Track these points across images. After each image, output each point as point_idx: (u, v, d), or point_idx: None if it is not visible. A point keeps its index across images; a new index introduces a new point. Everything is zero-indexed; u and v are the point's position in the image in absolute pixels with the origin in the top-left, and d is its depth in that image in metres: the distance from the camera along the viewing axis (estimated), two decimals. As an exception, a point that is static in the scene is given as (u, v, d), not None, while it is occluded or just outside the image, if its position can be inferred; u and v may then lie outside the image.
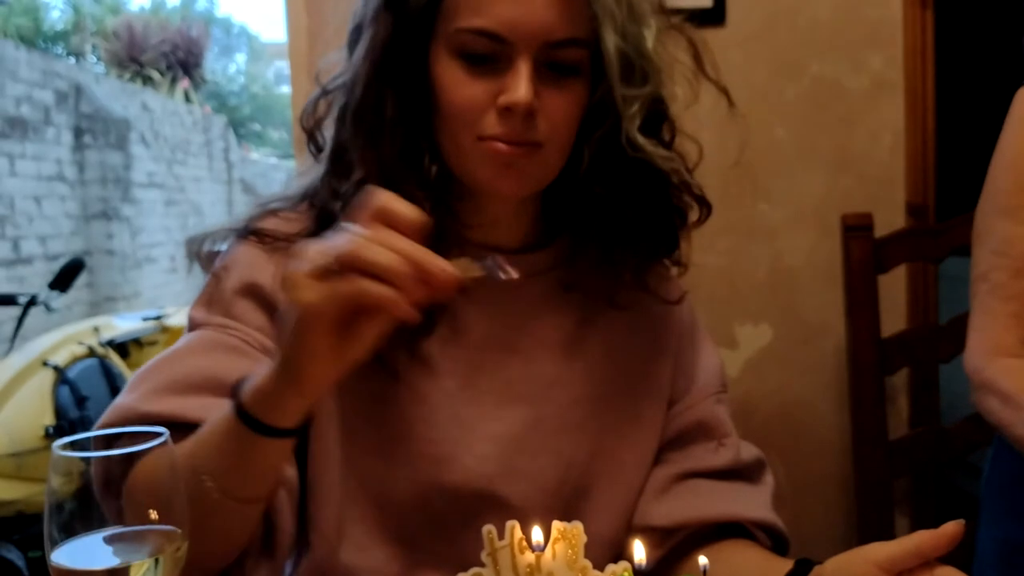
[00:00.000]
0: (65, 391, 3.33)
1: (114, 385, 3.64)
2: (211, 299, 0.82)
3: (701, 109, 1.68)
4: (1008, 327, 1.07)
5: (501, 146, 0.76)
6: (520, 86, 0.74)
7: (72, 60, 15.35)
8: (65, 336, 3.69)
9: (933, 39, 1.67)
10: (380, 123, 0.79)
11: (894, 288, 1.67)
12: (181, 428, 0.70)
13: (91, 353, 3.61)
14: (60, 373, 3.36)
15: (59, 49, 16.99)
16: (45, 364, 3.38)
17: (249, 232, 0.82)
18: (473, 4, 0.75)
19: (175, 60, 15.01)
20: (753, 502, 0.88)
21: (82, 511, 0.58)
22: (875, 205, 1.64)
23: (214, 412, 0.69)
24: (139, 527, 0.58)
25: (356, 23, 0.81)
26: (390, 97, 0.79)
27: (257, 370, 0.66)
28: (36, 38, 16.44)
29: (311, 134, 0.85)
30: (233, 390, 0.66)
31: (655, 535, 0.85)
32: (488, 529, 0.62)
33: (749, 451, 0.92)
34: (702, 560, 0.61)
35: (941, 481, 1.74)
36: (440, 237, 0.74)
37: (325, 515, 0.81)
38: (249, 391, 0.65)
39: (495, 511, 0.79)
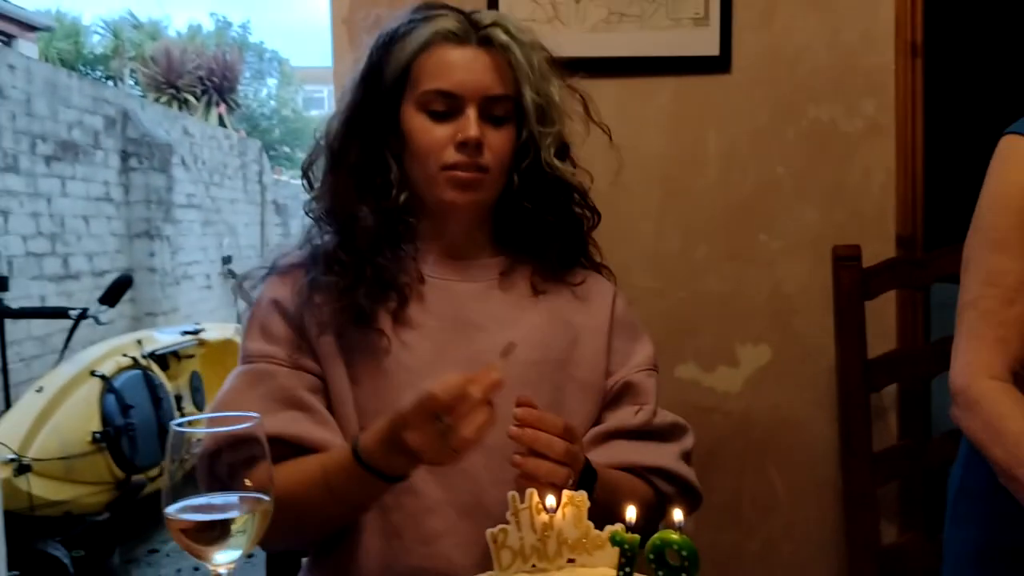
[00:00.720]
0: (111, 399, 3.51)
1: (155, 394, 3.81)
2: (256, 330, 1.10)
3: (708, 151, 1.86)
4: (995, 351, 1.17)
5: (460, 174, 1.08)
6: (471, 126, 1.07)
7: (112, 85, 15.74)
8: (111, 348, 3.87)
9: (923, 86, 1.79)
10: (347, 166, 1.10)
11: (885, 312, 1.79)
12: (280, 441, 0.99)
13: (135, 364, 3.79)
14: (107, 382, 3.53)
15: (99, 72, 17.38)
16: (93, 374, 3.56)
17: (269, 272, 1.13)
18: (435, 72, 1.08)
19: (210, 85, 15.37)
20: (655, 454, 1.14)
21: (191, 477, 0.74)
22: (867, 237, 1.77)
23: (300, 424, 1.02)
24: (236, 492, 0.74)
25: (339, 94, 1.14)
26: (355, 147, 1.10)
27: (371, 428, 0.95)
28: (77, 62, 16.84)
29: (305, 174, 1.16)
30: (353, 447, 0.95)
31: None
32: (512, 495, 0.75)
33: (664, 416, 1.18)
34: (677, 515, 0.74)
35: (928, 489, 1.85)
36: (399, 245, 1.10)
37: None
38: (368, 453, 0.94)
39: (476, 452, 1.00)
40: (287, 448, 1.01)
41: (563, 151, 1.17)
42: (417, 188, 1.11)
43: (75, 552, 3.22)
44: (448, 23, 1.09)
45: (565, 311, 1.17)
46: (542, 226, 1.15)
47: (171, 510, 0.71)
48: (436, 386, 0.88)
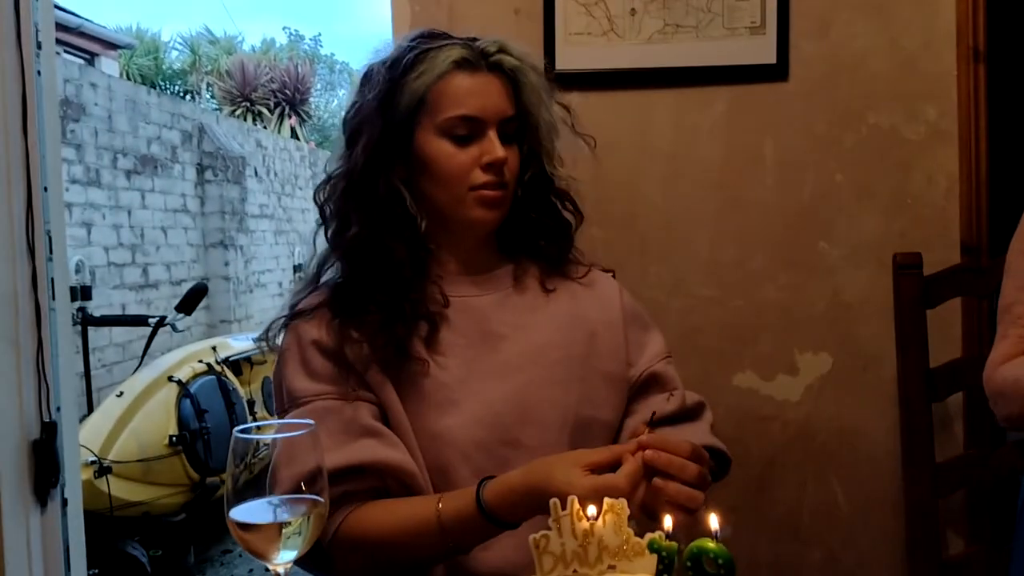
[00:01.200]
0: (187, 404, 3.62)
1: (229, 399, 3.92)
2: (300, 372, 1.12)
3: (766, 160, 1.86)
4: (1016, 344, 1.24)
5: (488, 193, 1.14)
6: (496, 148, 1.13)
7: (189, 98, 16.21)
8: (187, 354, 3.99)
9: (986, 91, 1.77)
10: (375, 200, 1.13)
11: (950, 320, 1.77)
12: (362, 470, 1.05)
13: (210, 370, 3.90)
14: (183, 388, 3.64)
15: (177, 87, 17.92)
16: (170, 379, 3.66)
17: (293, 317, 1.16)
18: (455, 99, 1.12)
19: (283, 97, 15.74)
20: (694, 433, 1.16)
21: (252, 482, 0.78)
22: (931, 244, 1.75)
23: (377, 450, 1.06)
24: (294, 495, 0.78)
25: (353, 125, 1.16)
26: (382, 180, 1.14)
27: (502, 482, 1.00)
28: (156, 77, 17.39)
29: (322, 209, 1.18)
30: (477, 496, 1.00)
31: None
32: (554, 502, 0.77)
33: (691, 397, 1.23)
34: (713, 523, 0.76)
35: (996, 500, 1.81)
36: (426, 273, 1.15)
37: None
38: (494, 506, 0.99)
39: (515, 450, 1.10)
40: (372, 476, 1.07)
41: (558, 161, 1.24)
42: (437, 211, 1.16)
43: (153, 552, 3.33)
44: (459, 52, 1.13)
45: (578, 306, 1.22)
46: (542, 230, 1.23)
47: (233, 512, 0.75)
48: (621, 479, 0.92)
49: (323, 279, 1.19)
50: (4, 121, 1.94)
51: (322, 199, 1.18)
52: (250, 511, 0.76)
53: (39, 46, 2.02)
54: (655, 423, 1.06)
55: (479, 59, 1.14)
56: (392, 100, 1.13)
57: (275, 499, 0.76)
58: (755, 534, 1.85)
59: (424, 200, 1.16)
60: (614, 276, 1.35)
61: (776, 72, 1.80)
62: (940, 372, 1.61)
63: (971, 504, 1.79)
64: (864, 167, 1.81)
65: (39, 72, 2.02)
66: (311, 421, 0.80)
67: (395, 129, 1.14)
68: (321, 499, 0.77)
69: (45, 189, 2.03)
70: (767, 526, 1.86)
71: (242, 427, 0.78)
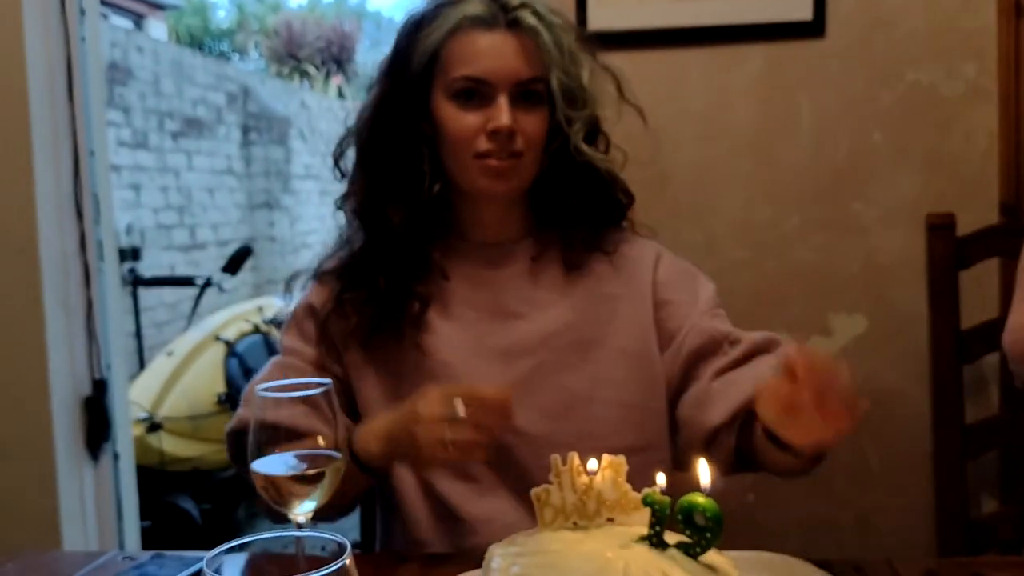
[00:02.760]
0: (234, 363, 3.71)
1: (275, 359, 4.00)
2: (293, 328, 1.16)
3: (801, 119, 1.84)
4: None
5: (493, 162, 1.07)
6: (502, 115, 1.05)
7: (237, 58, 16.31)
8: (234, 315, 4.07)
9: (1029, 47, 1.72)
10: (377, 160, 1.10)
11: (988, 281, 1.74)
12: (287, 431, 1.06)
13: (256, 330, 3.98)
14: (230, 347, 3.72)
15: (225, 46, 18.03)
16: (217, 339, 3.75)
17: (313, 276, 1.18)
18: (463, 59, 1.06)
19: (329, 55, 15.76)
20: (772, 362, 1.02)
21: (271, 437, 0.82)
22: (969, 204, 1.73)
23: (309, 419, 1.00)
24: (311, 451, 0.82)
25: (371, 82, 1.14)
26: (384, 139, 1.10)
27: (378, 417, 1.02)
28: (204, 37, 17.52)
29: (336, 162, 1.18)
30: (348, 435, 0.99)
31: (724, 432, 1.05)
32: (554, 457, 0.77)
33: (759, 334, 1.10)
34: (704, 479, 0.74)
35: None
36: (446, 235, 1.12)
37: None
38: (358, 442, 1.01)
39: (514, 438, 1.07)
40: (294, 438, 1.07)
41: (593, 135, 1.14)
42: (452, 176, 1.11)
43: (203, 505, 3.45)
44: (475, 7, 1.06)
45: (600, 284, 1.16)
46: (572, 209, 1.15)
47: (256, 465, 0.79)
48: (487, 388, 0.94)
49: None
50: (50, 87, 1.99)
51: (337, 154, 1.18)
52: (271, 464, 0.80)
53: (83, 12, 2.07)
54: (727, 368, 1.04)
55: (497, 15, 1.06)
56: (407, 58, 1.08)
57: (294, 453, 0.80)
58: (787, 495, 1.86)
59: (441, 164, 1.11)
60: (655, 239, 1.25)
61: (812, 29, 1.77)
62: (972, 333, 1.60)
63: (1005, 465, 1.78)
64: (901, 126, 1.78)
65: (83, 38, 2.07)
66: (327, 381, 0.83)
67: (407, 88, 1.09)
68: (338, 455, 0.81)
69: (92, 153, 2.09)
70: (799, 487, 1.86)
71: (264, 385, 0.81)
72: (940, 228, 1.59)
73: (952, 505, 1.58)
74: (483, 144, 1.07)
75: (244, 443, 0.82)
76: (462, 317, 1.12)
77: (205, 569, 0.49)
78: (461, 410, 0.91)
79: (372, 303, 1.09)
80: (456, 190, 1.13)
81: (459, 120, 1.07)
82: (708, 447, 1.06)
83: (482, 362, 1.10)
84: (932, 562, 0.99)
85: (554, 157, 1.12)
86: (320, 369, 1.11)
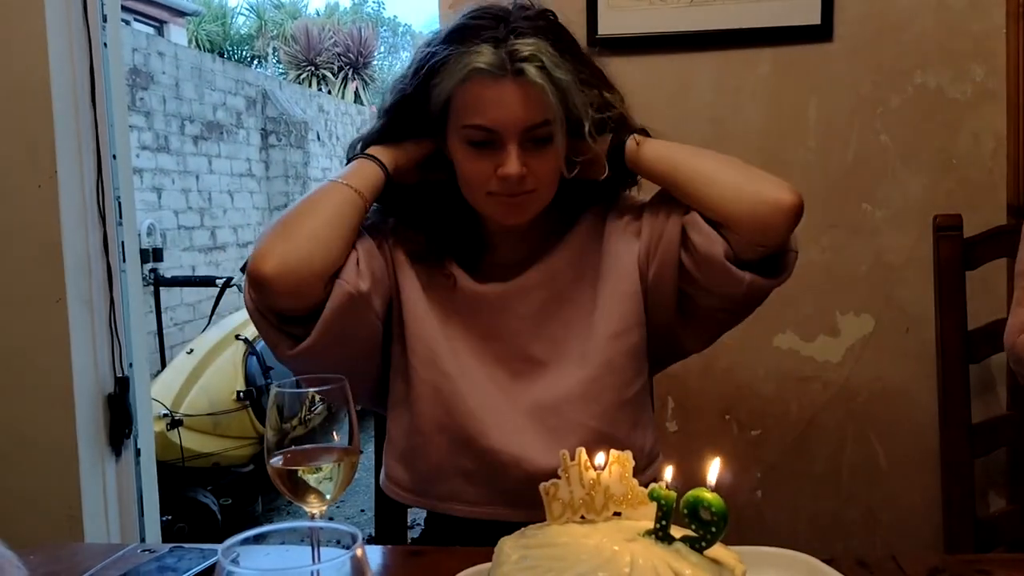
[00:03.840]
0: (254, 361, 3.75)
1: (293, 358, 4.04)
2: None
3: (809, 121, 1.85)
4: None
5: (505, 199, 1.13)
6: (511, 163, 1.09)
7: (256, 63, 16.40)
8: (254, 314, 4.12)
9: (1037, 49, 1.73)
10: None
11: (996, 282, 1.75)
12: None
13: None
14: (250, 346, 3.76)
15: (244, 52, 18.17)
16: (237, 337, 3.79)
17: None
18: (472, 108, 1.10)
19: (346, 61, 15.86)
20: None
21: (288, 430, 0.85)
22: (977, 206, 1.74)
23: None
24: (325, 444, 0.85)
25: (394, 97, 1.19)
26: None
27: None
28: (224, 43, 17.66)
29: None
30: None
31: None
32: (563, 453, 0.78)
33: None
34: (711, 476, 0.77)
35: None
36: (475, 253, 1.20)
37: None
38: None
39: (528, 364, 1.17)
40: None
41: (602, 125, 1.17)
42: (471, 204, 1.19)
43: (223, 500, 3.49)
44: (484, 58, 1.08)
45: (596, 232, 1.23)
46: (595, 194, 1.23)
47: (273, 460, 0.83)
48: None
49: None
50: (73, 92, 2.04)
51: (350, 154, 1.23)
52: (288, 457, 0.83)
53: (104, 19, 2.12)
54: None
55: (504, 65, 1.08)
56: (421, 99, 1.14)
57: (309, 447, 0.83)
58: (795, 492, 1.88)
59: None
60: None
61: (821, 32, 1.79)
62: (980, 333, 1.61)
63: (1013, 464, 1.79)
64: (909, 128, 1.79)
65: (105, 44, 2.12)
66: (342, 376, 0.86)
67: (423, 124, 1.16)
68: (352, 447, 0.84)
69: (114, 157, 2.14)
70: (807, 484, 1.89)
71: (280, 383, 0.84)
72: (948, 229, 1.60)
73: (959, 503, 1.59)
74: (495, 186, 1.12)
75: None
76: (483, 262, 1.21)
77: (220, 559, 0.49)
78: None
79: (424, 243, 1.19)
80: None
81: (471, 163, 1.13)
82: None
83: (497, 298, 1.20)
84: (938, 559, 1.01)
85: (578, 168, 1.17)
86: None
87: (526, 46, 1.08)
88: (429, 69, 1.12)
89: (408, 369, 1.18)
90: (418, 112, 1.15)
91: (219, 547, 0.50)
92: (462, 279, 1.19)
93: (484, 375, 1.17)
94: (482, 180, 1.12)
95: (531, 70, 1.07)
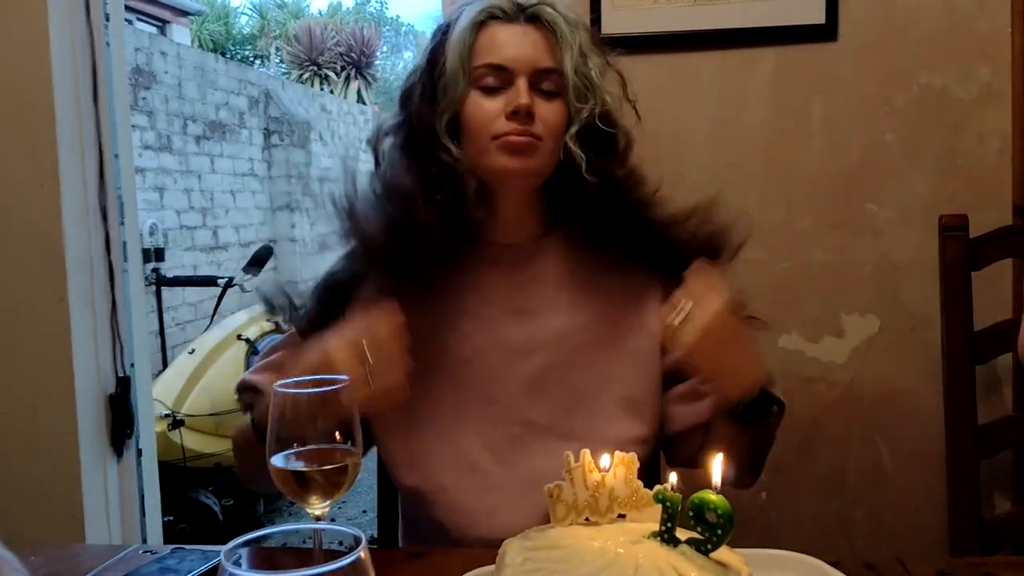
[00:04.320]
0: (255, 361, 3.75)
1: (295, 358, 4.04)
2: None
3: (813, 121, 1.85)
4: None
5: (512, 137, 1.09)
6: (522, 95, 1.09)
7: (258, 63, 16.40)
8: (255, 313, 4.09)
9: (1043, 49, 1.72)
10: (428, 147, 1.13)
11: (1001, 282, 1.74)
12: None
13: (277, 328, 3.98)
14: (252, 345, 3.77)
15: (247, 51, 18.18)
16: (239, 337, 3.80)
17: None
18: (485, 49, 1.11)
19: (349, 60, 15.86)
20: None
21: (290, 432, 0.84)
22: (982, 206, 1.73)
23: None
24: (329, 445, 0.84)
25: (407, 87, 1.17)
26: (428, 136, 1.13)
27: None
28: (227, 42, 17.68)
29: (376, 151, 1.19)
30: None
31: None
32: (567, 454, 0.79)
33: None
34: (715, 479, 0.76)
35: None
36: (467, 237, 1.14)
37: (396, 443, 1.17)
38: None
39: (527, 430, 1.12)
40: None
41: (595, 136, 1.14)
42: (473, 163, 1.13)
43: (224, 501, 3.49)
44: (498, 4, 1.12)
45: (615, 281, 1.18)
46: (585, 207, 1.15)
47: (275, 460, 0.82)
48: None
49: None
50: (76, 91, 2.04)
51: (375, 144, 1.20)
52: (290, 459, 0.82)
53: (107, 18, 2.11)
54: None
55: (517, 11, 1.12)
56: (437, 58, 1.13)
57: (312, 448, 0.82)
58: (799, 493, 1.87)
59: (465, 159, 1.13)
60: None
61: (825, 32, 1.78)
62: (985, 334, 1.60)
63: (1019, 465, 1.78)
64: (914, 128, 1.78)
65: (108, 43, 2.11)
66: (344, 377, 0.86)
67: (439, 84, 1.13)
68: (354, 448, 0.83)
69: (116, 156, 2.14)
70: (811, 485, 1.88)
71: (281, 382, 0.84)
72: (953, 229, 1.59)
73: (965, 505, 1.58)
74: (503, 126, 1.10)
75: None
76: (479, 315, 1.16)
77: (223, 561, 0.48)
78: (370, 357, 0.97)
79: (396, 290, 1.11)
80: (477, 188, 1.13)
81: (481, 106, 1.11)
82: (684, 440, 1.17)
83: (497, 358, 1.14)
84: (944, 561, 1.00)
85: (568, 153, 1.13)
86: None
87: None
88: (444, 27, 1.14)
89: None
90: (434, 83, 1.13)
91: (220, 549, 0.49)
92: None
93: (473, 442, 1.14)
94: (489, 122, 1.10)
95: (544, 11, 1.12)
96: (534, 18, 1.13)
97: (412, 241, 1.11)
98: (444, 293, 1.16)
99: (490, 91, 1.11)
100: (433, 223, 1.10)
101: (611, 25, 1.80)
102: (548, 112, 1.11)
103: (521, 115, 1.09)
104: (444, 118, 1.12)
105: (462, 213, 1.12)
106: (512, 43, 1.11)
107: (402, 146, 1.15)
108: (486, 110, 1.11)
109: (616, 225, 1.16)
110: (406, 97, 1.17)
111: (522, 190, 1.16)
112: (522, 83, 1.10)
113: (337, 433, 0.82)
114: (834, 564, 0.88)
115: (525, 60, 1.10)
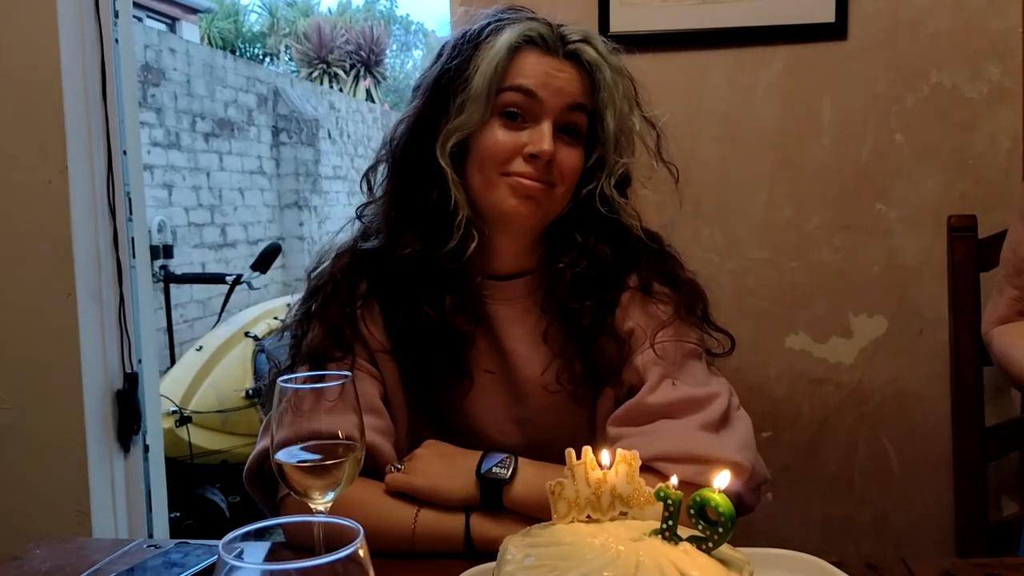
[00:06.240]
0: (263, 359, 3.74)
1: (303, 356, 4.04)
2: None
3: (823, 120, 1.84)
4: (1010, 308, 1.38)
5: (526, 181, 1.03)
6: (545, 139, 1.01)
7: (268, 61, 16.44)
8: (263, 311, 4.12)
9: (1055, 48, 1.71)
10: (408, 174, 1.08)
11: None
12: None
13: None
14: (259, 343, 3.77)
15: (256, 49, 18.21)
16: (247, 335, 3.80)
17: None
18: (517, 71, 1.03)
19: (358, 59, 15.88)
20: (660, 438, 0.99)
21: (293, 426, 0.84)
22: (993, 206, 1.72)
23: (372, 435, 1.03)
24: (332, 440, 0.84)
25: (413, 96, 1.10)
26: (416, 155, 1.06)
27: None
28: (236, 40, 17.71)
29: (368, 179, 1.14)
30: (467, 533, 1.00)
31: None
32: (569, 451, 0.77)
33: (687, 391, 1.04)
34: (718, 482, 0.76)
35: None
36: (453, 267, 1.06)
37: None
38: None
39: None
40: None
41: (623, 184, 1.11)
42: (478, 196, 1.06)
43: (231, 497, 3.49)
44: (537, 28, 1.04)
45: (591, 324, 1.10)
46: (583, 252, 1.09)
47: (279, 456, 0.82)
48: None
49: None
50: (84, 88, 2.04)
51: (368, 170, 1.14)
52: (293, 454, 0.82)
53: (116, 15, 2.12)
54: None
55: (557, 43, 1.04)
56: (461, 72, 1.04)
57: (314, 442, 0.82)
58: (806, 494, 1.87)
59: (464, 187, 1.06)
60: (661, 240, 1.16)
61: (835, 31, 1.77)
62: (993, 335, 1.59)
63: (1027, 468, 1.77)
64: (924, 127, 1.77)
65: (117, 40, 2.12)
66: (347, 373, 0.85)
67: (454, 101, 1.04)
68: (358, 444, 0.83)
69: (124, 153, 2.14)
70: (818, 486, 1.87)
71: (284, 377, 0.84)
72: (962, 230, 1.58)
73: (972, 507, 1.57)
74: (519, 166, 1.03)
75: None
76: (484, 385, 1.12)
77: (221, 552, 0.47)
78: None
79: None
80: (474, 218, 1.07)
81: (498, 136, 1.03)
82: None
83: (505, 424, 1.13)
84: (948, 563, 0.99)
85: (582, 201, 1.09)
86: (366, 372, 1.10)
87: (578, 32, 1.06)
88: (472, 41, 1.05)
89: None
90: (455, 89, 1.04)
91: (220, 542, 0.49)
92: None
93: None
94: (505, 154, 1.03)
95: (586, 51, 1.04)
96: (573, 56, 1.05)
97: (396, 267, 1.07)
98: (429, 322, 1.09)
99: (511, 120, 1.03)
100: (417, 257, 1.06)
101: (619, 23, 1.80)
102: (567, 157, 1.04)
103: (541, 161, 1.02)
104: (452, 139, 1.04)
105: (455, 247, 1.06)
106: (547, 72, 1.03)
107: (398, 167, 1.09)
108: (504, 144, 1.03)
109: (603, 277, 1.10)
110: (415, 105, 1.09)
111: (523, 231, 1.10)
112: (547, 127, 1.02)
113: (340, 428, 0.82)
114: (837, 564, 0.88)
115: (556, 93, 1.03)
